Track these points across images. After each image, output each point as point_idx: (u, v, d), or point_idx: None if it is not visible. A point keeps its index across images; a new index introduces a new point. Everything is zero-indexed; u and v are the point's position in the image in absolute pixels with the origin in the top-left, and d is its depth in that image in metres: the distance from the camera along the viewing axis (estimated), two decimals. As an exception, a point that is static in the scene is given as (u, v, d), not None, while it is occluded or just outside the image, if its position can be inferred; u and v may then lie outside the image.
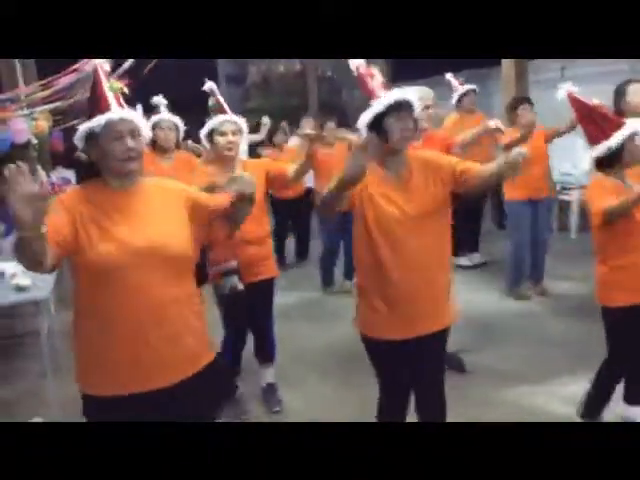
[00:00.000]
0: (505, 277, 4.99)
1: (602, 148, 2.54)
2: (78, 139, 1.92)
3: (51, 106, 6.62)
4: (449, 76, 5.41)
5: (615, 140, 2.50)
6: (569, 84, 2.64)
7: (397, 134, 2.20)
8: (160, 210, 1.93)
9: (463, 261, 5.77)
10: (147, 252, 1.84)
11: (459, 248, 5.74)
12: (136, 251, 1.83)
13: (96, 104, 1.89)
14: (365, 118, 2.24)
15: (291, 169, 3.13)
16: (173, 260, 1.90)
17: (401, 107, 2.20)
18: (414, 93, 2.25)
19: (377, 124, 2.22)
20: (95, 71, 1.96)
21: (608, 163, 2.57)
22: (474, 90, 5.74)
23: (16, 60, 7.86)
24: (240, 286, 3.05)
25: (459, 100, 5.46)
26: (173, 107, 4.25)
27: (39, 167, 7.66)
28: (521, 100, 4.81)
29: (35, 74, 9.08)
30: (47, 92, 6.13)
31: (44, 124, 7.28)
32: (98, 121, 1.84)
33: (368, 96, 2.27)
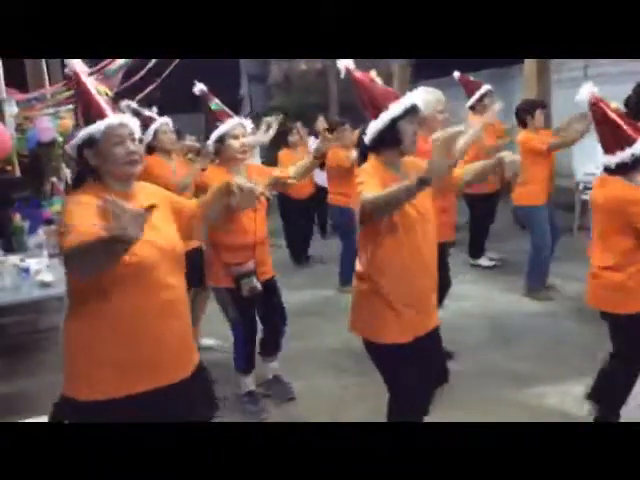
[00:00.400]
0: (527, 280, 4.93)
1: (625, 155, 2.50)
2: (73, 146, 1.91)
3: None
4: (456, 76, 5.23)
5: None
6: (590, 85, 2.58)
7: (410, 138, 2.24)
8: (159, 213, 1.94)
9: (483, 261, 5.77)
10: (167, 251, 1.92)
11: (478, 249, 5.75)
12: (160, 250, 1.89)
13: (90, 110, 1.90)
14: (380, 122, 2.23)
15: (291, 170, 3.18)
16: (179, 260, 1.99)
17: (414, 111, 2.24)
18: (424, 95, 2.27)
19: (392, 127, 2.22)
20: (77, 76, 1.95)
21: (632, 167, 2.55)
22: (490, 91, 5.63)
23: (42, 60, 8.02)
24: (259, 287, 3.10)
25: (479, 101, 5.32)
26: (194, 107, 4.30)
27: (63, 165, 7.82)
28: (539, 104, 4.79)
29: (60, 73, 9.24)
30: (72, 92, 6.23)
31: (69, 122, 7.41)
32: (98, 127, 1.86)
33: (370, 100, 2.26)
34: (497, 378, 3.53)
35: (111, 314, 1.84)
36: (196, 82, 3.21)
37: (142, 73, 6.01)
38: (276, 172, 3.25)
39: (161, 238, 1.91)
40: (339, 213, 5.26)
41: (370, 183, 2.15)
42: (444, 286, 3.53)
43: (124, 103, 4.10)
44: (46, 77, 8.14)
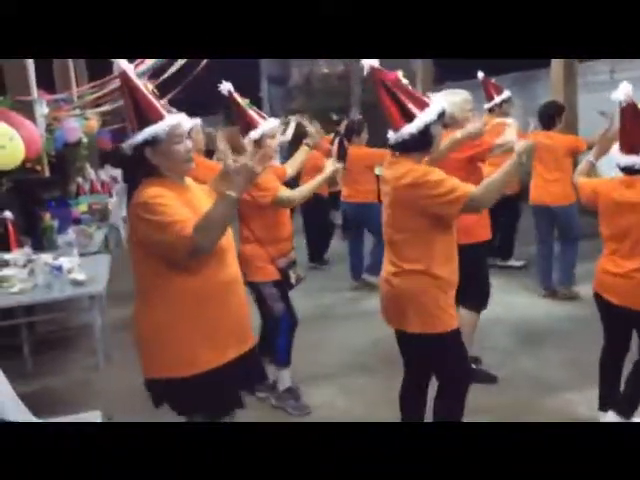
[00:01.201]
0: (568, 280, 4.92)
1: None
2: (133, 145, 1.98)
3: (102, 109, 6.82)
4: (481, 77, 5.23)
5: None
6: (625, 84, 2.57)
7: (439, 141, 2.33)
8: (208, 202, 2.05)
9: (512, 262, 5.78)
10: (229, 234, 2.07)
11: (508, 251, 5.73)
12: (227, 232, 2.04)
13: (147, 110, 1.97)
14: (414, 126, 2.25)
15: (288, 168, 3.36)
16: (233, 244, 2.14)
17: (443, 115, 2.29)
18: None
19: (426, 131, 2.26)
20: (125, 75, 2.00)
21: None
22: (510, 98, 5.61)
23: (69, 61, 8.14)
24: (302, 275, 3.24)
25: (499, 105, 5.31)
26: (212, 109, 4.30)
27: (88, 165, 7.92)
28: (564, 107, 4.81)
29: (86, 75, 9.36)
30: (97, 94, 6.33)
31: (94, 124, 7.52)
32: (162, 127, 1.95)
33: (399, 104, 2.28)
34: (521, 384, 3.50)
35: (198, 292, 1.98)
36: (223, 81, 3.22)
37: (166, 75, 6.06)
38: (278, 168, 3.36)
39: None
40: (375, 210, 5.22)
41: (454, 179, 2.25)
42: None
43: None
44: (73, 78, 8.26)
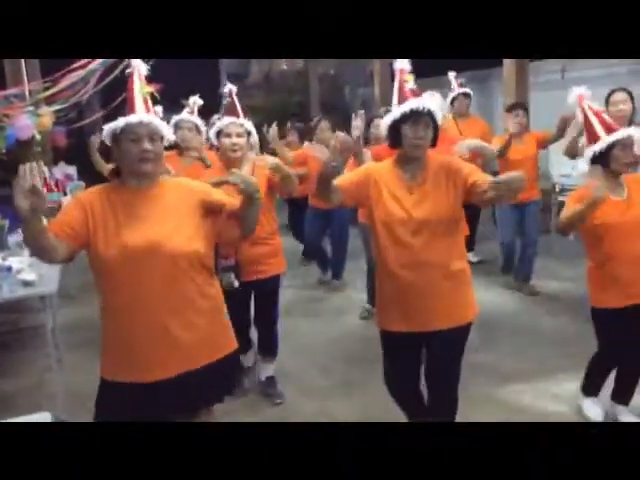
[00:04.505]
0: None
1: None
2: (106, 137, 2.02)
3: (56, 107, 6.68)
4: (451, 75, 5.39)
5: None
6: (583, 88, 2.73)
7: (408, 141, 2.32)
8: (168, 209, 1.99)
9: (472, 257, 5.86)
10: (143, 251, 1.93)
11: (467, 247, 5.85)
12: (133, 251, 1.92)
13: (127, 107, 2.00)
14: (384, 122, 2.40)
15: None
16: (170, 258, 1.96)
17: (416, 115, 2.29)
18: (431, 98, 2.33)
19: (394, 129, 2.35)
20: (131, 74, 2.07)
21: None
22: (465, 94, 5.73)
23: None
24: (235, 283, 3.14)
25: (451, 103, 5.47)
26: (173, 105, 4.28)
27: (41, 163, 7.73)
28: (515, 106, 4.94)
29: (38, 71, 9.12)
30: (51, 91, 6.18)
31: (47, 120, 7.32)
32: (118, 124, 1.94)
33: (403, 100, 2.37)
34: (478, 376, 3.58)
35: (118, 307, 1.98)
36: (227, 82, 3.40)
37: (116, 73, 5.97)
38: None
39: (138, 239, 1.93)
40: (336, 214, 5.26)
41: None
42: None
43: (192, 99, 4.17)
44: (24, 74, 8.04)
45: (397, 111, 2.32)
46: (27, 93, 6.78)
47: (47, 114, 7.20)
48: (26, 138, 6.22)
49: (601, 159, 2.68)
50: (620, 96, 3.85)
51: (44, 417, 2.42)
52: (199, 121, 4.08)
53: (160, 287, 1.94)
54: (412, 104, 2.29)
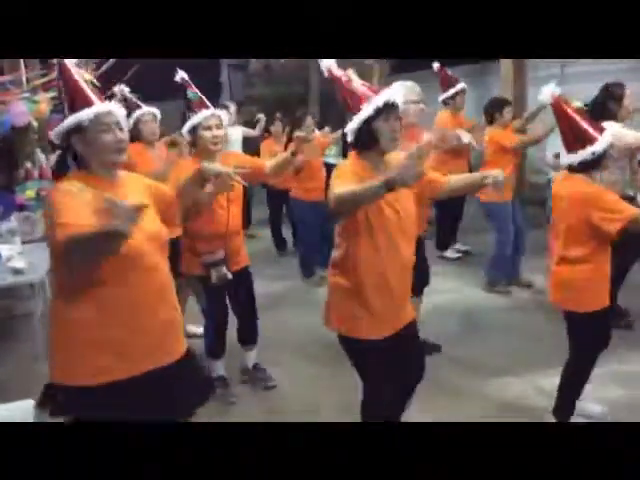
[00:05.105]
0: (487, 274, 5.00)
1: (586, 153, 2.57)
2: (59, 133, 1.96)
3: (53, 94, 6.65)
4: (436, 67, 5.29)
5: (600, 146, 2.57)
6: (551, 85, 2.64)
7: (387, 137, 2.23)
8: (134, 197, 1.98)
9: (450, 253, 5.89)
10: (154, 237, 1.97)
11: (444, 242, 5.83)
12: (149, 236, 1.95)
13: (76, 98, 1.94)
14: (354, 123, 2.23)
15: (268, 164, 3.26)
16: (165, 246, 2.05)
17: (389, 109, 2.21)
18: (398, 90, 2.28)
19: (367, 127, 2.22)
20: (63, 65, 1.99)
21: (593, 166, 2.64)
22: (464, 90, 5.68)
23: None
24: (229, 275, 3.16)
25: (452, 97, 5.40)
26: (164, 94, 4.28)
27: (38, 150, 7.72)
28: (507, 102, 4.89)
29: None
30: (48, 78, 6.16)
31: (44, 107, 7.31)
32: (87, 114, 1.90)
33: (349, 100, 2.27)
34: (463, 370, 3.61)
35: (109, 299, 1.87)
36: (178, 69, 3.19)
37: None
38: (250, 161, 3.30)
39: (148, 224, 1.96)
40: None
41: (343, 179, 2.17)
42: (423, 281, 3.57)
43: (118, 88, 4.10)
44: (22, 60, 8.00)
45: (368, 108, 2.19)
46: (24, 80, 6.76)
47: (44, 101, 7.18)
48: (22, 125, 6.21)
49: (598, 160, 2.59)
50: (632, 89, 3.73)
51: (27, 404, 2.44)
52: (156, 110, 4.11)
53: (152, 272, 1.95)
54: (384, 97, 2.20)
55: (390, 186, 1.95)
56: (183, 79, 3.17)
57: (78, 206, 1.77)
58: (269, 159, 3.53)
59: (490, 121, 4.75)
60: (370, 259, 2.27)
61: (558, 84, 2.75)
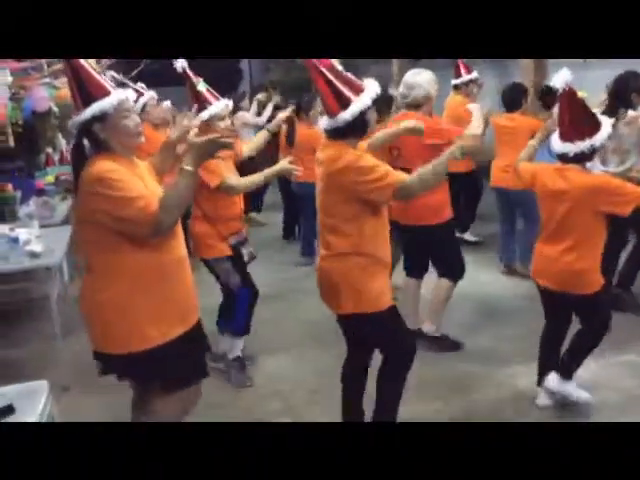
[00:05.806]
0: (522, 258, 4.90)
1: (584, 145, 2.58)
2: (81, 121, 2.01)
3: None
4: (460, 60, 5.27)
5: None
6: (564, 71, 2.59)
7: (372, 124, 2.38)
8: (148, 175, 2.18)
9: (468, 236, 5.83)
10: None
11: (463, 224, 5.76)
12: None
13: (92, 87, 1.99)
14: (349, 113, 2.26)
15: (245, 149, 3.51)
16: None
17: (377, 100, 2.33)
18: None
19: (361, 117, 2.29)
20: (72, 61, 2.02)
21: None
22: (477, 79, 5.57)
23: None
24: (255, 253, 3.35)
25: (466, 84, 5.33)
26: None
27: (60, 135, 7.79)
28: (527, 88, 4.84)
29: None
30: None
31: (66, 92, 7.37)
32: (110, 102, 1.98)
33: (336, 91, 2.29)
34: (476, 358, 3.60)
35: (152, 269, 2.04)
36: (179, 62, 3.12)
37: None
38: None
39: (160, 191, 2.10)
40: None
41: (379, 164, 2.30)
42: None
43: (108, 74, 4.13)
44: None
45: (365, 97, 2.27)
46: (44, 65, 6.82)
47: (65, 87, 7.24)
48: (43, 110, 6.27)
49: (593, 152, 2.60)
50: None
51: (41, 385, 2.50)
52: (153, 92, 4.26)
53: (176, 240, 2.12)
54: (376, 88, 2.32)
55: (464, 152, 2.30)
56: (183, 68, 3.12)
57: (132, 180, 1.96)
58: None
59: (511, 107, 4.67)
60: (378, 235, 2.40)
61: (580, 71, 2.71)
